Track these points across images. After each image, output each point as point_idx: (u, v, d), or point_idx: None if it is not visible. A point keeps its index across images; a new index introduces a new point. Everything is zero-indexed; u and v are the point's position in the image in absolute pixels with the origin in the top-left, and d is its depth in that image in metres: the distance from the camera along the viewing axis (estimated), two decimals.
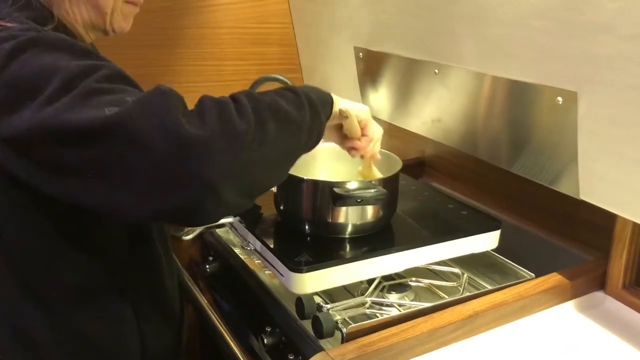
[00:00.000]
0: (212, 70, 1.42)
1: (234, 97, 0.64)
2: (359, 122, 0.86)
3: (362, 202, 0.89)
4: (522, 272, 0.99)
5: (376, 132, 0.90)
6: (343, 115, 0.82)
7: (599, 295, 0.96)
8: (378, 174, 0.97)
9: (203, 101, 0.61)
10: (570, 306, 0.94)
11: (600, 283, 0.96)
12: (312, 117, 0.72)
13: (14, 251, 0.73)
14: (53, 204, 0.69)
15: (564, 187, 0.93)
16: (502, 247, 1.02)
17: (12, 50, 0.62)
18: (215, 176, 0.58)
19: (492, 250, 1.02)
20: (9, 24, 0.67)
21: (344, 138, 0.88)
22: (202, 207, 0.60)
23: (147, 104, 0.57)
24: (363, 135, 0.88)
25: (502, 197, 1.20)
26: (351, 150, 0.89)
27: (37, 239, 0.73)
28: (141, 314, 0.83)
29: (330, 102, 0.80)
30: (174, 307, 0.92)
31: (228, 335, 0.99)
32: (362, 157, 0.91)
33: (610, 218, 0.92)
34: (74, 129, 0.57)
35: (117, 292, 0.80)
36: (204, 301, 1.08)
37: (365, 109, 0.87)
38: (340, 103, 0.82)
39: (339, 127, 0.87)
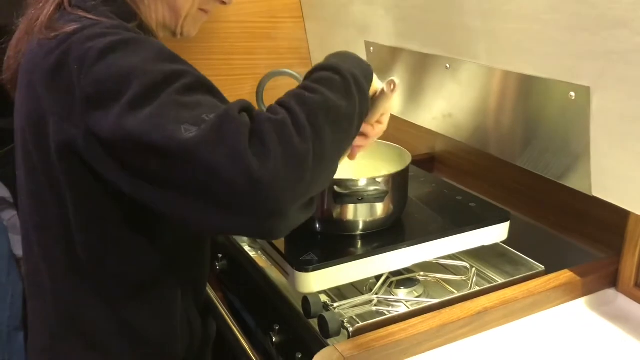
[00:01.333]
0: (221, 65, 1.42)
1: (287, 107, 0.63)
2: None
3: (363, 200, 0.88)
4: (532, 264, 0.98)
5: (386, 124, 0.84)
6: (388, 90, 0.75)
7: (610, 292, 0.95)
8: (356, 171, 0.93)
9: (261, 123, 0.60)
10: (581, 303, 0.93)
11: (612, 280, 0.95)
12: (361, 100, 0.70)
13: (79, 240, 0.74)
14: (121, 202, 0.71)
15: (575, 183, 0.91)
16: (513, 244, 1.01)
17: (104, 49, 0.63)
18: (282, 205, 0.60)
19: (502, 243, 1.01)
20: (97, 18, 0.69)
21: None
22: (271, 231, 0.63)
23: (219, 131, 0.58)
24: (378, 122, 0.81)
25: (513, 193, 1.19)
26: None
27: (102, 231, 0.75)
28: (188, 307, 0.87)
29: (372, 73, 0.76)
30: (204, 300, 0.96)
31: (239, 332, 1.00)
32: (351, 150, 0.82)
33: (622, 215, 0.91)
34: (153, 145, 0.59)
35: (171, 288, 0.83)
36: (216, 298, 1.09)
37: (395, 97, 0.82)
38: (376, 78, 0.77)
39: None
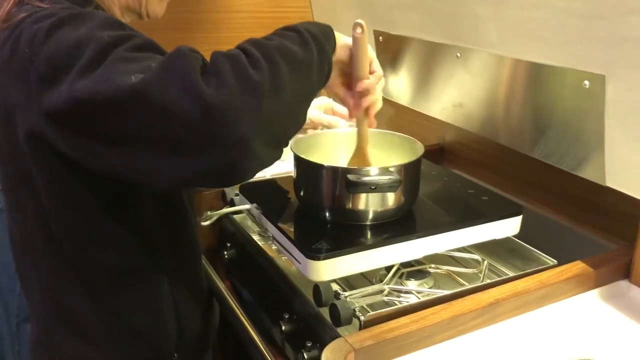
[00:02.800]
0: None
1: (242, 48, 0.64)
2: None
3: (377, 189, 0.87)
4: (543, 258, 0.97)
5: (380, 70, 0.85)
6: (357, 35, 0.77)
7: (623, 284, 0.94)
8: (371, 161, 0.93)
9: (215, 58, 0.61)
10: (594, 295, 0.92)
11: (625, 272, 0.94)
12: (319, 52, 0.70)
13: (56, 230, 0.74)
14: (92, 183, 0.71)
15: (589, 174, 0.90)
16: (524, 235, 1.00)
17: (51, 26, 0.63)
18: (242, 133, 0.59)
19: (513, 236, 1.00)
20: (51, 6, 0.69)
21: (348, 87, 0.83)
22: (235, 166, 0.61)
23: (168, 68, 0.58)
24: (370, 72, 0.83)
25: (525, 183, 1.18)
26: (358, 100, 0.84)
27: (77, 218, 0.74)
28: (177, 295, 0.86)
29: (331, 33, 0.76)
30: (203, 290, 0.95)
31: (247, 322, 0.99)
32: (368, 112, 0.85)
33: (636, 206, 0.90)
34: (104, 99, 0.58)
35: (155, 273, 0.82)
36: (223, 287, 1.08)
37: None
38: (341, 36, 0.79)
39: (342, 74, 0.83)
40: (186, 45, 0.62)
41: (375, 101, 0.85)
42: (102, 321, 0.79)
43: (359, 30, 0.77)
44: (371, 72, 0.83)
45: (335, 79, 0.82)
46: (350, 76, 0.82)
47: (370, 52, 0.82)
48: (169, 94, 0.57)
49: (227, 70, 0.59)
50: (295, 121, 0.69)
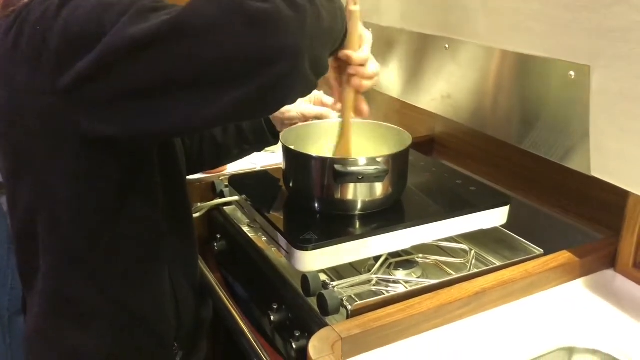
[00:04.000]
0: None
1: None
2: (360, 38, 0.81)
3: (363, 179, 0.87)
4: (530, 248, 0.98)
5: (372, 58, 0.83)
6: (348, 17, 0.76)
7: (609, 273, 0.95)
8: (355, 150, 0.93)
9: None
10: (579, 284, 0.93)
11: (611, 261, 0.95)
12: (339, 13, 0.70)
13: (60, 219, 0.74)
14: (99, 174, 0.71)
15: (574, 164, 0.91)
16: (512, 225, 1.01)
17: (60, 1, 0.63)
18: (295, 42, 0.58)
19: (501, 226, 1.01)
20: None
21: (338, 70, 0.83)
22: (286, 81, 0.60)
23: None
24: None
25: (512, 174, 1.19)
26: (345, 76, 0.82)
27: (82, 208, 0.74)
28: (177, 284, 0.86)
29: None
30: (198, 281, 0.96)
31: (237, 313, 1.00)
32: (355, 85, 0.82)
33: (622, 195, 0.91)
34: (139, 39, 0.57)
35: (158, 263, 0.83)
36: (213, 279, 1.09)
37: (367, 31, 0.83)
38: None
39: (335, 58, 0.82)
40: None
41: (361, 80, 0.82)
42: (104, 310, 0.79)
43: (352, 4, 0.78)
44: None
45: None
46: (341, 61, 0.81)
47: (366, 35, 0.82)
48: (209, 14, 0.55)
49: None
50: (326, 58, 0.68)
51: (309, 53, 0.61)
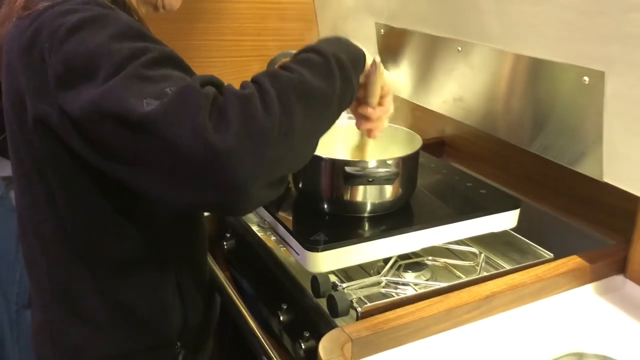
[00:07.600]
0: (231, 46, 1.41)
1: (258, 82, 0.63)
2: (382, 88, 0.81)
3: (374, 181, 0.87)
4: (540, 252, 0.97)
5: (391, 107, 0.86)
6: (372, 71, 0.77)
7: (619, 279, 0.95)
8: (370, 155, 0.94)
9: (227, 97, 0.60)
10: (589, 289, 0.92)
11: (621, 267, 0.95)
12: (342, 84, 0.69)
13: (66, 219, 0.75)
14: (100, 178, 0.71)
15: (587, 169, 0.91)
16: (522, 229, 1.01)
17: (72, 27, 0.64)
18: (243, 180, 0.59)
19: (511, 230, 1.01)
20: None
21: (357, 103, 0.84)
22: (232, 206, 0.63)
23: (179, 104, 0.58)
24: (380, 104, 0.83)
25: (523, 178, 1.18)
26: (361, 119, 0.85)
27: (86, 208, 0.75)
28: (183, 286, 0.86)
29: (362, 59, 0.76)
30: (207, 280, 0.96)
31: (246, 312, 1.00)
32: (368, 133, 0.87)
33: (633, 201, 0.90)
34: (113, 118, 0.59)
35: (165, 264, 0.83)
36: (222, 277, 1.09)
37: (393, 78, 0.83)
38: (371, 58, 0.78)
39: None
40: (206, 75, 0.62)
41: (375, 129, 0.86)
42: (108, 308, 0.79)
43: (372, 67, 0.77)
44: (381, 104, 0.83)
45: None
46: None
47: (389, 86, 0.82)
48: (176, 131, 0.57)
49: (236, 113, 0.59)
50: (301, 160, 0.69)
51: (263, 180, 0.61)
